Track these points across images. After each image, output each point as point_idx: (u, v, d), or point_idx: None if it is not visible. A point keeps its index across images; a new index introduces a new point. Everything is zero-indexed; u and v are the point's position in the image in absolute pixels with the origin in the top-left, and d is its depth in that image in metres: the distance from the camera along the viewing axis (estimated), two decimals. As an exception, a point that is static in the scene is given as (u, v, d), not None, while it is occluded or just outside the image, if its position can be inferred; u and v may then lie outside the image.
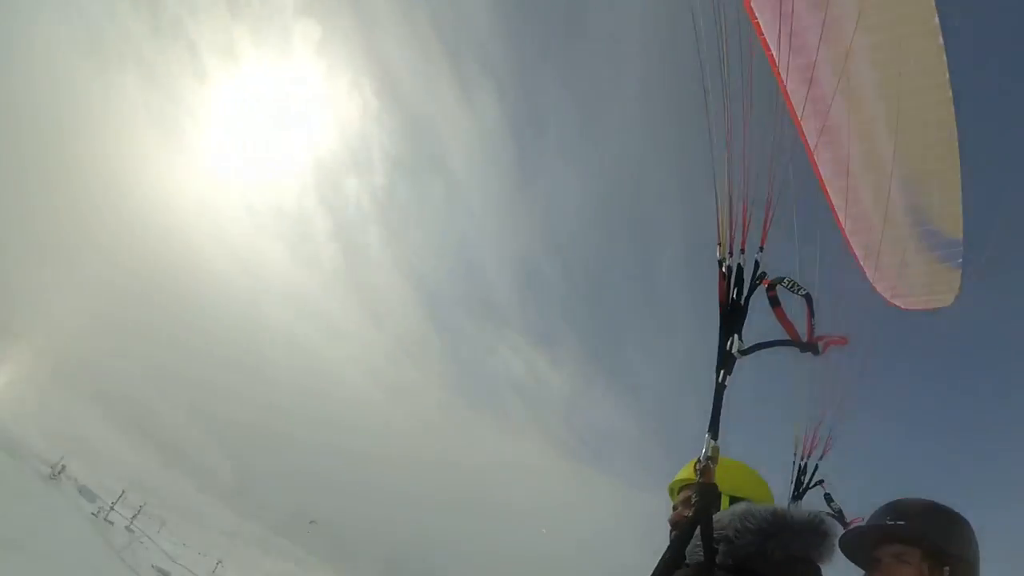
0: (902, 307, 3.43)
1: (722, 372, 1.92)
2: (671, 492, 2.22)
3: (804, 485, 3.36)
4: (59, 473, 66.61)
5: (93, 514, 65.12)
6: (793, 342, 1.96)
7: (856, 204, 2.76)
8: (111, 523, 67.19)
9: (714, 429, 1.88)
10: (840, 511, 3.39)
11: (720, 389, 1.91)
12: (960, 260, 3.16)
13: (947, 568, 1.83)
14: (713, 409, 1.90)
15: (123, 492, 75.33)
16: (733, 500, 1.93)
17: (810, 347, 1.94)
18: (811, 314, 1.94)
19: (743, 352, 1.92)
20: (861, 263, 3.30)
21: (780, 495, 2.26)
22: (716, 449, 1.85)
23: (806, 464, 3.34)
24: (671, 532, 1.99)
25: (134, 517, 72.53)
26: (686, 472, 2.09)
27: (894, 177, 2.83)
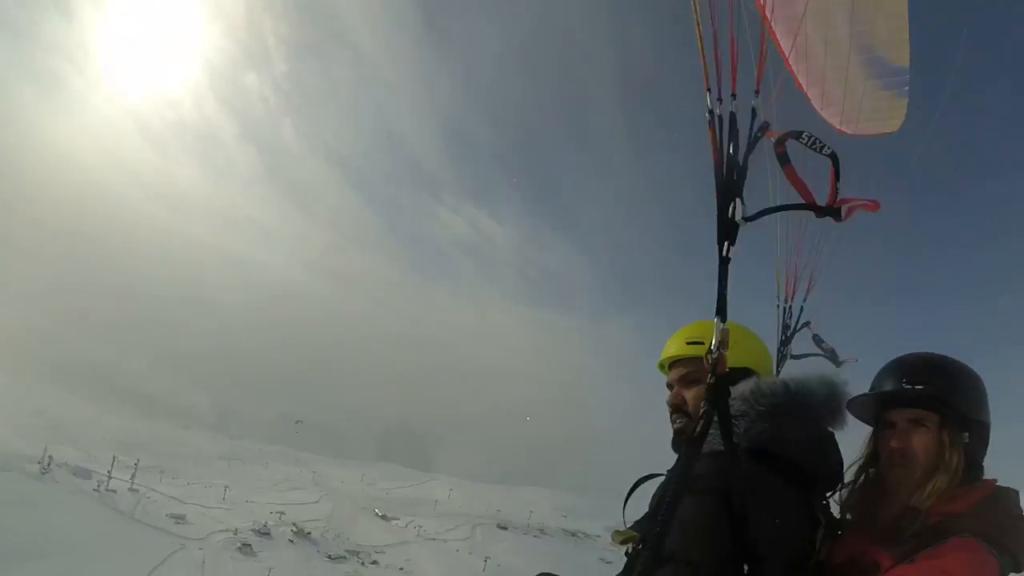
0: (850, 133, 3.20)
1: (725, 244, 1.60)
2: (662, 368, 2.16)
3: (791, 329, 3.21)
4: (48, 466, 76.05)
5: (94, 490, 76.70)
6: (810, 205, 1.58)
7: (802, 33, 2.48)
8: (113, 491, 77.71)
9: (722, 310, 1.61)
10: (833, 351, 3.40)
11: (725, 264, 1.61)
12: (906, 88, 3.10)
13: (966, 434, 1.72)
14: (719, 287, 1.62)
15: (114, 458, 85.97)
16: (735, 371, 1.74)
17: (831, 212, 1.56)
18: (836, 176, 1.57)
19: (748, 219, 1.57)
20: (806, 90, 3.13)
21: (766, 340, 2.16)
22: (726, 332, 1.59)
23: (790, 307, 3.11)
24: (672, 416, 2.03)
25: (133, 477, 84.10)
26: (677, 346, 2.05)
27: (839, 5, 2.69)
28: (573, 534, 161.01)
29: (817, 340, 3.39)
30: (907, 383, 1.79)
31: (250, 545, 76.48)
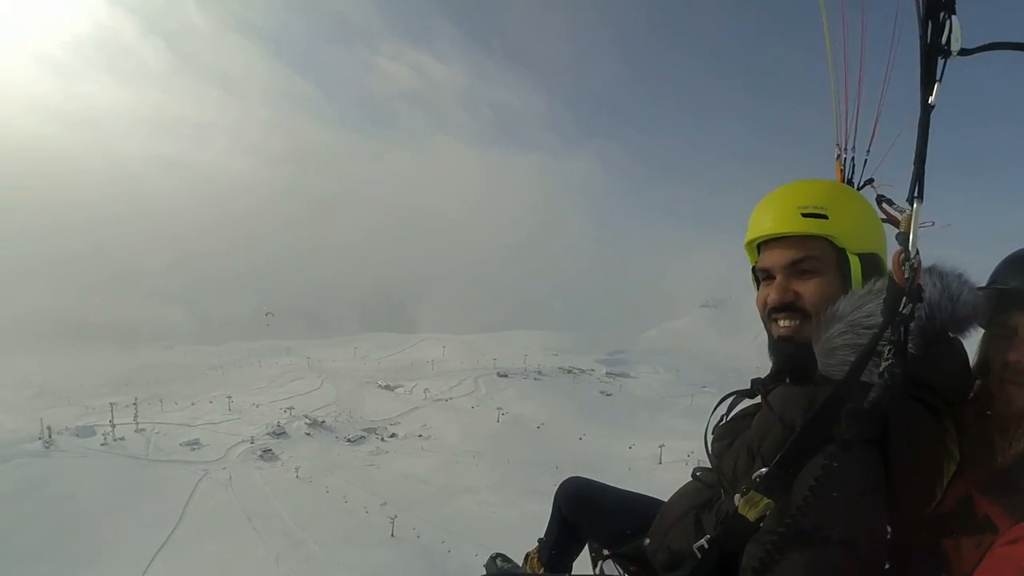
0: None
1: (934, 84, 1.20)
2: (750, 248, 1.71)
3: (855, 187, 2.29)
4: (50, 437, 72.99)
5: (102, 445, 74.56)
6: None
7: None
8: (122, 439, 76.15)
9: (920, 186, 1.23)
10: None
11: (927, 113, 1.21)
12: None
13: None
14: (918, 149, 1.22)
15: (111, 405, 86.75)
16: (861, 259, 1.48)
17: None
18: None
19: (967, 51, 1.17)
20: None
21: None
22: (911, 219, 1.25)
23: (852, 158, 2.23)
24: (771, 315, 1.58)
25: (135, 418, 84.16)
26: (785, 217, 1.52)
27: None
28: (569, 371, 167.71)
29: (882, 200, 1.94)
30: (1004, 281, 1.50)
31: (270, 450, 77.35)
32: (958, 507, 1.38)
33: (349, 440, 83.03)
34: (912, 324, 1.25)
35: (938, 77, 1.19)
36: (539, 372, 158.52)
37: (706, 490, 1.76)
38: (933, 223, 1.48)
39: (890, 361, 1.22)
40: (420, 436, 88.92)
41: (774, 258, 1.57)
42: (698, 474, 1.79)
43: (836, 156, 2.02)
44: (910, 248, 1.24)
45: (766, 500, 1.23)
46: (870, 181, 2.00)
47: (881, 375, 1.21)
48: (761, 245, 1.64)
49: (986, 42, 1.16)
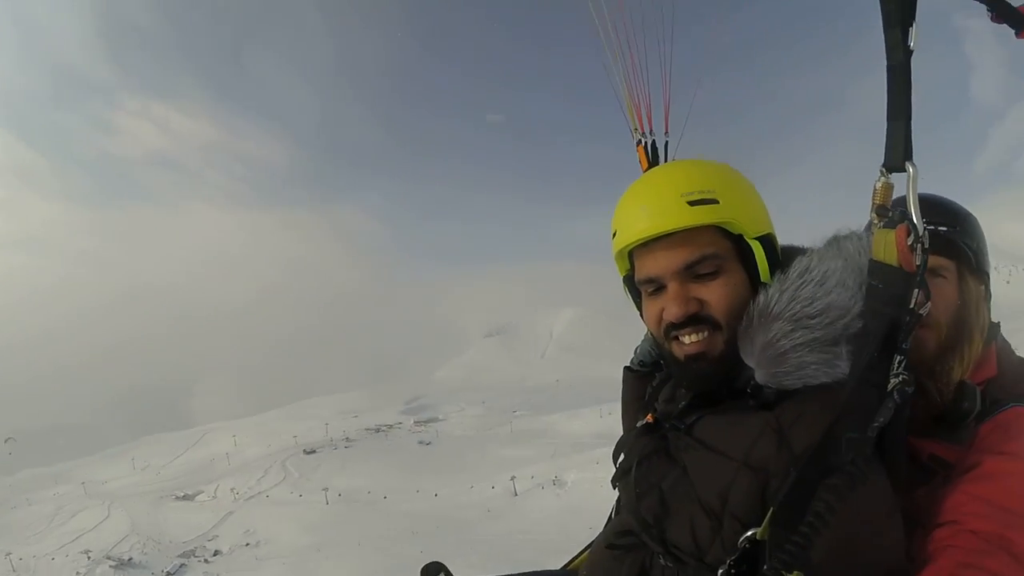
0: None
1: (907, 27, 1.14)
2: (621, 257, 1.43)
3: None
4: None
5: None
6: (1001, 3, 1.15)
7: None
8: None
9: (908, 143, 1.16)
10: None
11: (907, 58, 1.14)
12: None
13: (983, 287, 1.56)
14: (895, 103, 1.16)
15: None
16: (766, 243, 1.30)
17: (1017, 17, 1.15)
18: None
19: None
20: None
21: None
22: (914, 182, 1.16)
23: (653, 142, 1.88)
24: (669, 332, 1.31)
25: None
26: (671, 211, 1.24)
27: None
28: (377, 430, 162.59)
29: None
30: (928, 224, 1.36)
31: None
32: (910, 458, 1.35)
33: (168, 574, 68.11)
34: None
35: (914, 18, 1.12)
36: (347, 439, 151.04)
37: (626, 556, 1.40)
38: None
39: (902, 377, 1.09)
40: (248, 545, 76.63)
41: (661, 264, 1.27)
42: (614, 541, 1.44)
43: (636, 142, 1.86)
44: (917, 223, 1.13)
45: (796, 572, 0.98)
46: None
47: (890, 394, 1.07)
48: (636, 250, 1.34)
49: None
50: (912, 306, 1.10)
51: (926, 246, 1.11)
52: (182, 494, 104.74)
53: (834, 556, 1.01)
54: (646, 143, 1.76)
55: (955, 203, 1.60)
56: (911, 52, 1.12)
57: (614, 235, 1.35)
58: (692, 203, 1.22)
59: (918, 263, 1.11)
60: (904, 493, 1.14)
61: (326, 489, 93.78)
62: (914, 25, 1.10)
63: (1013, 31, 1.13)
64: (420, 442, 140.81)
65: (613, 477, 1.48)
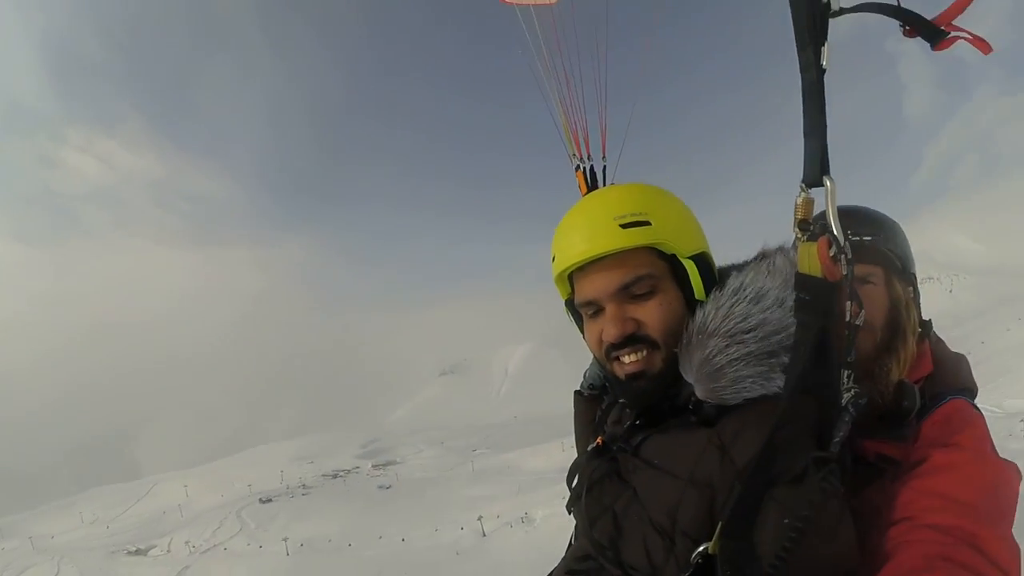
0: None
1: (819, 48, 1.11)
2: (561, 281, 1.47)
3: None
4: None
5: None
6: (908, 13, 1.09)
7: None
8: None
9: (825, 158, 1.13)
10: None
11: (821, 76, 1.12)
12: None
13: (911, 288, 1.64)
14: (810, 121, 1.13)
15: None
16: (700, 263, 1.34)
17: (930, 29, 1.07)
18: None
19: (844, 10, 1.12)
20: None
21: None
22: (832, 198, 1.14)
23: (592, 167, 1.98)
24: (611, 353, 1.33)
25: None
26: (604, 234, 1.28)
27: None
28: (334, 476, 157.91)
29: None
30: (852, 235, 1.50)
31: None
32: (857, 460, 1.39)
33: None
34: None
35: (825, 37, 1.12)
36: (304, 486, 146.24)
37: None
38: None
39: (854, 391, 1.12)
40: None
41: (598, 286, 1.32)
42: (574, 567, 1.42)
43: (575, 167, 1.93)
44: (838, 235, 1.13)
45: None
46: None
47: (846, 408, 1.11)
48: (574, 274, 1.39)
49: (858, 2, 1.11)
50: (848, 318, 1.14)
51: (849, 256, 1.12)
52: (134, 548, 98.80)
53: (785, 563, 1.02)
54: (584, 168, 1.87)
55: (876, 211, 1.69)
56: (824, 71, 1.12)
57: (553, 260, 1.40)
58: (624, 226, 1.25)
59: (845, 272, 1.12)
60: (853, 493, 1.17)
61: (286, 539, 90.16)
62: (826, 45, 1.11)
63: (928, 44, 1.09)
64: (380, 486, 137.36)
65: (568, 502, 1.50)
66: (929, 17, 1.08)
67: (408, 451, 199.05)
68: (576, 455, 1.67)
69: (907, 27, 1.10)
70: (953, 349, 1.68)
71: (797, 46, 1.13)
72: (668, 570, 1.16)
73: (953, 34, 1.08)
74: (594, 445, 1.48)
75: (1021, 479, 1.29)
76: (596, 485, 1.38)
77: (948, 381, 1.52)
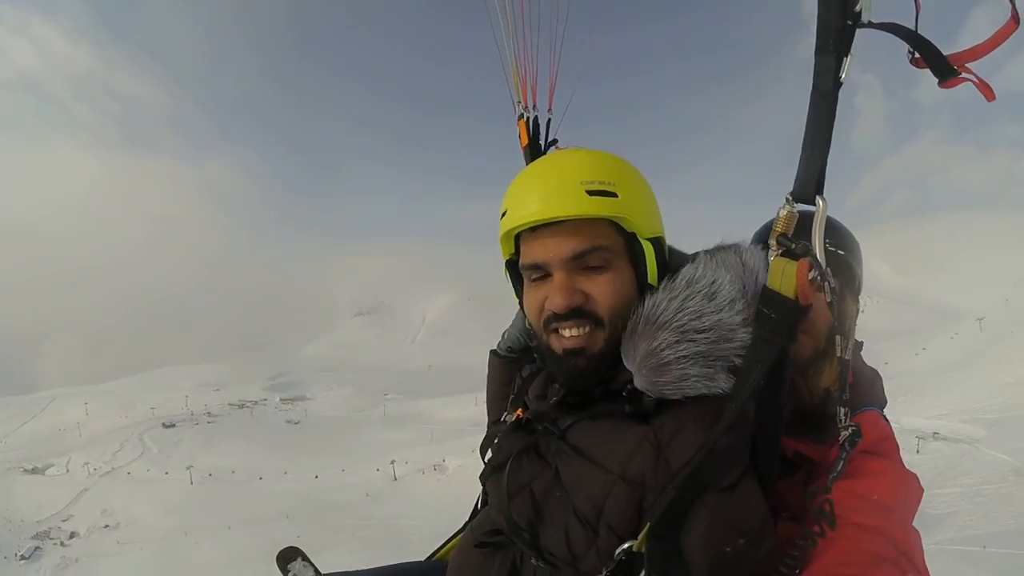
0: None
1: (841, 56, 1.05)
2: (507, 240, 1.37)
3: (543, 147, 1.96)
4: None
5: None
6: (928, 45, 1.06)
7: None
8: None
9: (822, 176, 1.09)
10: None
11: (836, 88, 1.06)
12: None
13: (856, 307, 1.68)
14: (814, 133, 1.07)
15: None
16: (657, 246, 1.29)
17: (943, 65, 1.05)
18: (1000, 39, 1.07)
19: (873, 25, 1.06)
20: None
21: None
22: (822, 213, 1.10)
23: (536, 118, 1.92)
24: (550, 324, 1.26)
25: None
26: (569, 196, 1.20)
27: None
28: (241, 406, 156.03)
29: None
30: (830, 244, 1.58)
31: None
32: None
33: (24, 558, 61.20)
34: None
35: (849, 49, 1.05)
36: (209, 414, 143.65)
37: (496, 554, 1.36)
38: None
39: (849, 431, 1.17)
40: (107, 527, 70.86)
41: (550, 250, 1.23)
42: (484, 539, 1.39)
43: (518, 116, 1.88)
44: (821, 261, 1.09)
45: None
46: (554, 142, 1.91)
47: (842, 446, 1.15)
48: (524, 234, 1.30)
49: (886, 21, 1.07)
50: (839, 353, 1.15)
51: (833, 285, 1.10)
52: (31, 467, 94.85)
53: (713, 568, 1.03)
54: (528, 118, 1.82)
55: (847, 228, 1.69)
56: (840, 84, 1.06)
57: (503, 215, 1.29)
58: (591, 192, 1.18)
59: (829, 300, 1.11)
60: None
61: (190, 467, 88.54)
62: (849, 56, 1.05)
63: (937, 79, 1.07)
64: (288, 421, 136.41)
65: (481, 474, 1.47)
66: (946, 54, 1.06)
67: (318, 388, 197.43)
68: (487, 417, 1.70)
69: (918, 56, 1.08)
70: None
71: (817, 49, 1.06)
72: (588, 560, 1.15)
73: (964, 75, 1.07)
74: (514, 419, 1.43)
75: (922, 489, 1.38)
76: (514, 460, 1.33)
77: (864, 393, 1.60)
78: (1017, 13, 1.04)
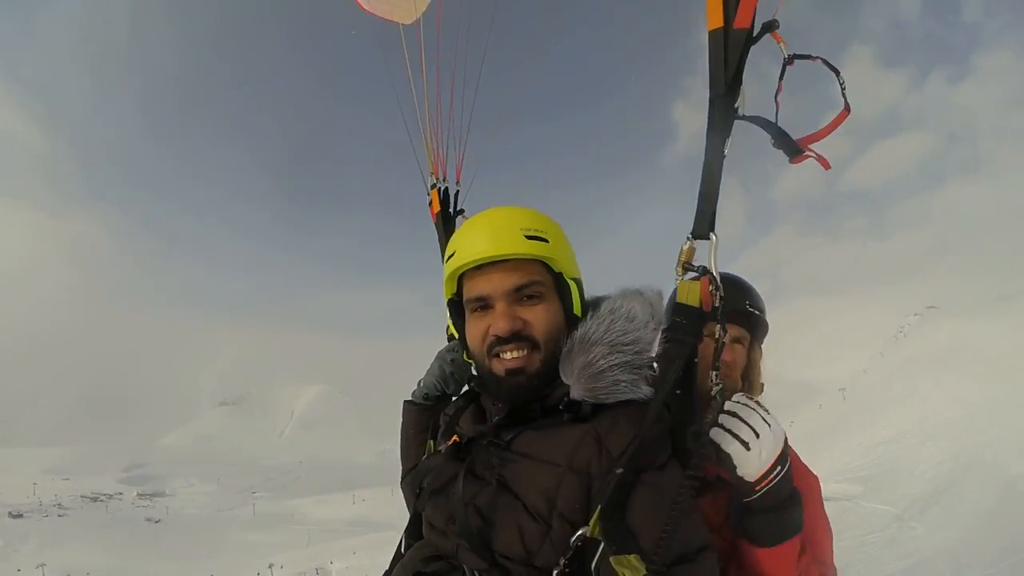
0: (368, 10, 2.55)
1: (725, 138, 1.41)
2: (451, 281, 1.57)
3: (452, 215, 2.41)
4: None
5: None
6: (782, 132, 1.43)
7: None
8: None
9: (713, 218, 1.42)
10: None
11: (721, 160, 1.41)
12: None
13: (761, 356, 2.06)
14: (707, 186, 1.42)
15: None
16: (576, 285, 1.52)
17: (792, 146, 1.42)
18: (835, 124, 1.46)
19: (744, 117, 1.43)
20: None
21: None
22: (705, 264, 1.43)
23: (446, 188, 2.37)
24: (492, 348, 1.44)
25: None
26: (510, 238, 1.42)
27: None
28: (94, 499, 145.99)
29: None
30: (751, 306, 1.99)
31: None
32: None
33: None
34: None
35: (729, 133, 1.42)
36: (60, 505, 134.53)
37: None
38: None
39: (720, 385, 1.41)
40: None
41: (493, 284, 1.44)
42: (423, 569, 1.44)
43: (431, 185, 2.31)
44: (716, 277, 1.41)
45: (633, 556, 1.17)
46: (461, 211, 2.39)
47: (714, 398, 1.39)
48: (467, 273, 1.51)
49: (756, 115, 1.46)
50: (717, 336, 1.40)
51: (722, 294, 1.40)
52: None
53: (656, 533, 1.17)
54: (440, 188, 2.18)
55: (757, 291, 2.05)
56: (724, 156, 1.41)
57: (450, 257, 1.50)
58: (528, 237, 1.41)
59: (717, 305, 1.39)
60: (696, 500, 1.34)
61: (42, 565, 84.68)
62: (729, 138, 1.41)
63: (788, 157, 1.46)
64: (148, 519, 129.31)
65: (419, 501, 1.56)
66: (795, 138, 1.45)
67: (179, 483, 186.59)
68: (402, 466, 1.93)
69: (775, 141, 1.46)
70: None
71: (708, 130, 1.43)
72: (543, 556, 1.26)
73: (807, 152, 1.45)
74: (449, 444, 1.54)
75: (817, 478, 1.78)
76: (451, 483, 1.42)
77: None
78: (848, 104, 1.48)
